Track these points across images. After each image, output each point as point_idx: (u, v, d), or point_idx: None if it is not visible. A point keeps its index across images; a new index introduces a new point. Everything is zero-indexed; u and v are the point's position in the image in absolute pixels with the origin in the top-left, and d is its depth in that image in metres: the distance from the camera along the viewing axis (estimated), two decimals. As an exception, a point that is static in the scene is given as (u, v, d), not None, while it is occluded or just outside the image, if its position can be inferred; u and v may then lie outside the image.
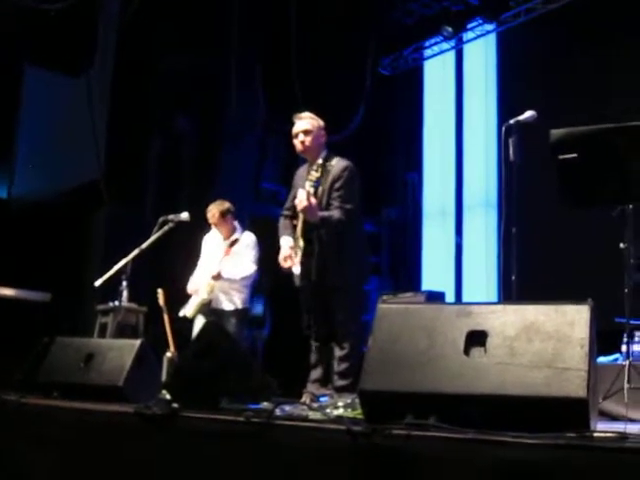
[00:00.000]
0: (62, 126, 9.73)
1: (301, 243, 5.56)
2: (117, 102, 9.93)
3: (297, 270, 5.58)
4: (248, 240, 7.29)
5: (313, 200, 5.40)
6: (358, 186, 5.68)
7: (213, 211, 7.24)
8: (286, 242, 5.71)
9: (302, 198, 5.41)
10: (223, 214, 7.23)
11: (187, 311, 7.20)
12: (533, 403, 2.67)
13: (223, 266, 7.06)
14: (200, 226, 7.53)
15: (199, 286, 7.17)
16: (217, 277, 7.03)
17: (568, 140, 4.24)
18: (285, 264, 5.64)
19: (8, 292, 7.86)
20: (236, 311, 7.14)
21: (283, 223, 5.85)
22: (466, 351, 2.85)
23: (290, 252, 5.63)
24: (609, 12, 8.64)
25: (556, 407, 2.63)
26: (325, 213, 5.48)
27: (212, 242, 7.39)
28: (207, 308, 7.06)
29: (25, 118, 9.66)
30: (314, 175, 5.54)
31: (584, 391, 2.61)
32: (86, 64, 9.56)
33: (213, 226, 7.30)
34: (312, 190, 5.44)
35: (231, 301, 7.15)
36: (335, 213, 5.49)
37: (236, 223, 7.36)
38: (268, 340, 9.13)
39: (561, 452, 2.31)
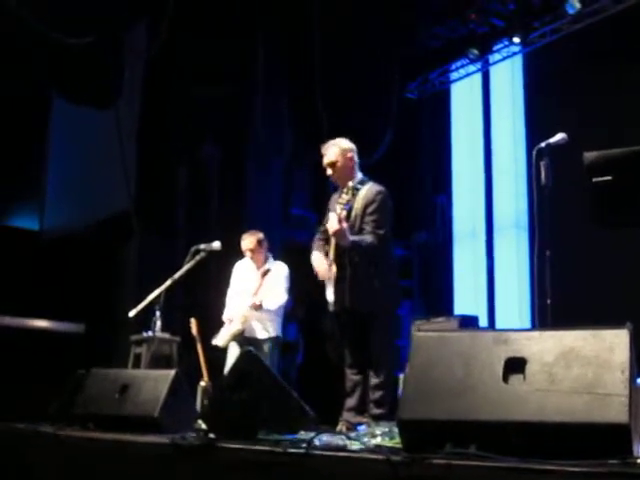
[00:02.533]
0: (92, 158, 9.82)
1: (334, 268, 5.55)
2: (145, 133, 10.01)
3: (330, 296, 5.57)
4: (280, 269, 7.33)
5: (344, 224, 5.40)
6: (391, 211, 5.68)
7: (249, 240, 7.30)
8: (318, 256, 5.69)
9: (333, 222, 5.41)
10: (260, 243, 7.30)
11: (219, 340, 7.22)
12: (574, 430, 2.63)
13: (261, 296, 7.08)
14: (231, 254, 7.55)
15: (233, 315, 7.19)
16: (258, 307, 7.06)
17: (603, 163, 4.20)
18: (325, 273, 5.59)
19: (42, 324, 7.92)
20: (270, 339, 7.16)
21: (316, 244, 5.84)
22: (504, 378, 2.82)
23: (328, 263, 5.59)
24: (636, 30, 8.61)
25: (597, 433, 2.60)
26: (357, 237, 5.47)
27: (244, 271, 7.42)
28: (240, 337, 7.08)
29: (55, 150, 9.77)
30: (344, 198, 5.54)
31: (626, 416, 2.58)
32: (114, 96, 9.65)
33: (248, 255, 7.34)
34: (344, 213, 5.44)
35: (265, 329, 7.18)
36: (367, 238, 5.48)
37: (268, 253, 7.41)
38: (301, 367, 9.11)
39: (604, 479, 2.28)
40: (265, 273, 7.21)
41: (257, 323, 7.18)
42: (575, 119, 8.34)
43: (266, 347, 7.09)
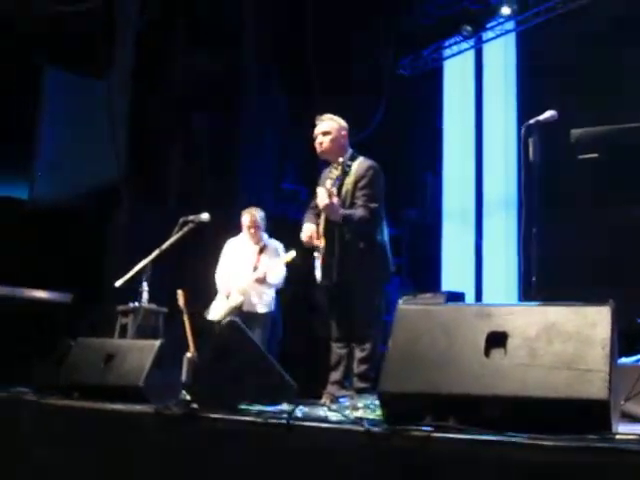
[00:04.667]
0: (83, 128, 9.79)
1: (323, 242, 5.55)
2: (137, 103, 9.97)
3: (318, 269, 5.58)
4: (277, 245, 7.39)
5: (335, 198, 5.40)
6: (382, 186, 5.67)
7: (254, 215, 7.34)
8: (308, 226, 5.69)
9: (323, 196, 5.41)
10: (262, 219, 7.37)
11: (215, 314, 7.23)
12: (554, 405, 2.65)
13: (263, 270, 7.13)
14: (221, 227, 7.55)
15: (231, 289, 7.22)
16: (262, 280, 7.10)
17: (589, 140, 4.21)
18: (308, 239, 5.60)
19: (29, 293, 7.90)
20: (268, 314, 7.22)
21: (307, 216, 5.84)
22: (486, 352, 2.83)
23: (314, 231, 5.60)
24: (630, 11, 8.59)
25: (577, 409, 2.61)
26: (347, 211, 5.46)
27: (239, 247, 7.43)
28: (238, 312, 7.09)
29: (46, 119, 9.72)
30: (334, 173, 5.54)
31: (605, 392, 2.59)
32: (105, 65, 9.61)
33: (248, 229, 7.36)
34: (334, 188, 5.44)
35: (266, 304, 7.23)
36: (359, 211, 5.47)
37: (264, 231, 7.46)
38: (283, 341, 9.12)
39: (582, 454, 2.30)
40: (262, 249, 7.27)
41: (256, 298, 7.22)
42: (566, 98, 8.31)
43: (264, 322, 7.14)
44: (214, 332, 7.07)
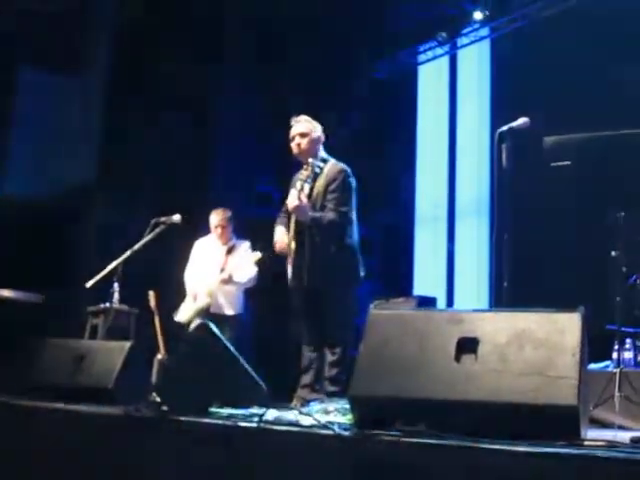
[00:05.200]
0: (56, 126, 9.73)
1: (293, 245, 5.55)
2: (112, 102, 9.93)
3: (289, 272, 5.58)
4: (246, 246, 7.34)
5: (304, 200, 5.41)
6: (353, 190, 5.68)
7: (221, 216, 7.31)
8: (280, 229, 5.71)
9: (292, 198, 5.43)
10: (229, 220, 7.31)
11: (182, 316, 7.18)
12: (524, 410, 2.67)
13: (229, 269, 7.08)
14: (193, 229, 7.52)
15: (198, 291, 7.17)
16: (228, 280, 7.05)
17: (561, 147, 4.24)
18: (281, 245, 5.63)
19: (3, 292, 7.85)
20: (236, 316, 7.17)
21: (279, 220, 5.85)
22: (457, 358, 2.84)
23: (285, 236, 5.62)
24: (605, 19, 8.65)
25: (547, 415, 2.63)
26: (317, 214, 5.47)
27: (208, 248, 7.40)
28: (205, 314, 7.03)
29: (19, 117, 9.66)
30: (304, 174, 5.55)
31: (575, 399, 2.61)
32: (80, 64, 9.56)
33: (216, 230, 7.32)
34: (306, 188, 5.45)
35: (232, 306, 7.17)
36: (328, 215, 5.47)
37: (232, 231, 7.41)
38: (253, 343, 9.10)
39: (551, 460, 2.31)
40: (230, 250, 7.23)
41: (224, 300, 7.16)
42: (540, 105, 8.34)
43: (232, 324, 7.08)
44: (181, 334, 7.04)
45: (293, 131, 5.75)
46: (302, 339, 5.64)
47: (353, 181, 5.68)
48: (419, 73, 11.48)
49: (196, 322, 7.05)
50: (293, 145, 5.75)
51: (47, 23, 8.85)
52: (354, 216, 5.68)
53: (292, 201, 5.42)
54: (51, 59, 9.45)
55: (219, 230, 7.32)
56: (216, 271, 7.17)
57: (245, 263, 7.11)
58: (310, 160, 5.56)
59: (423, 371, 2.86)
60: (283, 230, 5.68)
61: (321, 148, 5.79)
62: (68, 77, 9.74)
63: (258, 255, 6.93)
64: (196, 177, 10.28)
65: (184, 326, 7.16)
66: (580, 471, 2.26)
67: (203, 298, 7.11)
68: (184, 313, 7.19)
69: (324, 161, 5.69)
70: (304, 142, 5.69)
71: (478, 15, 9.98)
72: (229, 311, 7.17)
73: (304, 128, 5.72)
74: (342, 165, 5.69)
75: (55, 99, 9.76)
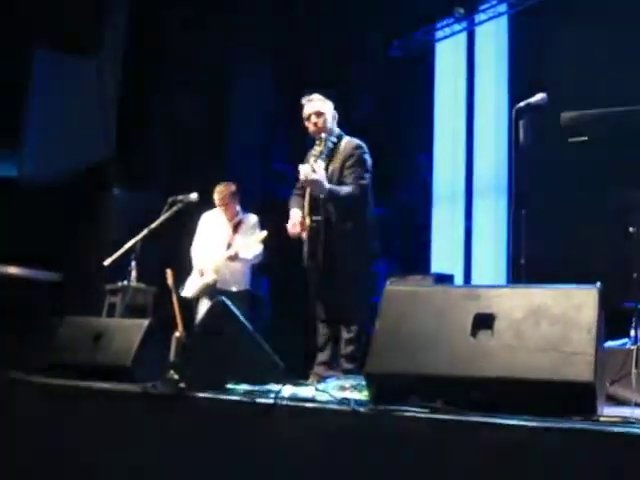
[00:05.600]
0: (72, 107, 9.75)
1: (308, 222, 5.54)
2: (127, 83, 9.94)
3: (305, 250, 5.58)
4: (253, 221, 7.31)
5: (320, 173, 5.38)
6: (370, 166, 5.66)
7: (223, 192, 7.26)
8: (295, 212, 5.70)
9: (306, 172, 5.39)
10: (233, 195, 7.27)
11: (188, 291, 7.20)
12: (540, 387, 2.66)
13: (236, 247, 7.07)
14: (209, 207, 7.53)
15: (204, 267, 7.17)
16: (234, 257, 7.05)
17: (579, 123, 4.21)
18: (294, 230, 5.63)
19: (18, 271, 7.89)
20: (242, 292, 7.16)
21: (293, 199, 5.84)
22: (473, 334, 2.84)
23: (300, 219, 5.61)
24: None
25: (563, 391, 2.62)
26: (335, 186, 5.45)
27: (214, 223, 7.37)
28: (212, 290, 7.05)
29: (35, 98, 9.68)
30: (317, 149, 5.54)
31: (591, 375, 2.60)
32: (96, 44, 9.56)
33: (220, 207, 7.30)
34: (321, 166, 5.43)
35: (238, 282, 7.17)
36: (347, 187, 5.45)
37: (238, 205, 7.36)
38: (272, 321, 9.12)
39: (567, 436, 2.31)
40: (237, 225, 7.21)
41: (230, 275, 7.17)
42: (558, 81, 8.30)
43: (240, 299, 7.06)
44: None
45: (307, 110, 5.73)
46: (318, 316, 5.64)
47: (369, 157, 5.66)
48: (437, 50, 11.42)
49: (203, 298, 7.09)
50: (309, 124, 5.73)
51: (63, 4, 8.84)
52: (371, 193, 5.67)
53: (307, 173, 5.39)
54: (67, 41, 9.45)
55: (223, 207, 7.30)
56: (222, 247, 7.17)
57: (251, 240, 7.10)
58: (323, 135, 5.54)
59: (439, 347, 2.85)
60: (298, 212, 5.66)
61: (335, 125, 5.78)
62: (84, 59, 9.74)
63: (264, 234, 6.92)
64: (210, 155, 10.29)
65: (191, 301, 7.18)
66: (596, 447, 2.25)
67: (210, 274, 7.12)
68: (191, 288, 7.21)
69: (339, 138, 5.68)
70: (320, 121, 5.68)
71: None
72: (236, 287, 7.16)
73: (319, 107, 5.71)
74: (358, 141, 5.68)
75: (71, 79, 9.76)
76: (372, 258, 5.80)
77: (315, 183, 5.38)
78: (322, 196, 5.44)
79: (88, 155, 9.80)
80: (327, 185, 5.41)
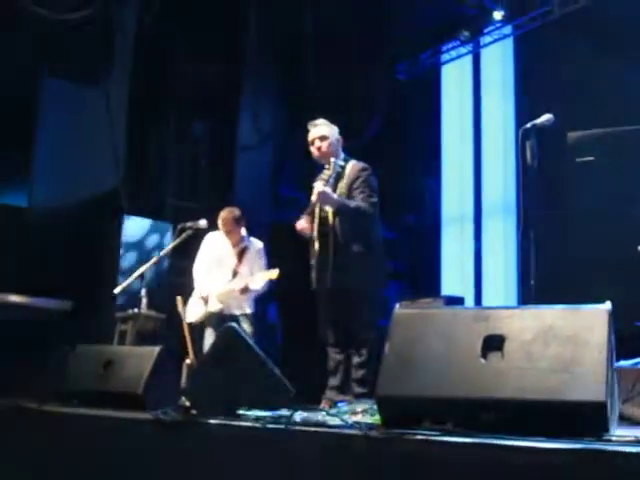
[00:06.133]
0: (81, 134, 9.79)
1: (316, 246, 5.54)
2: (135, 110, 9.99)
3: (313, 273, 5.59)
4: (258, 247, 7.24)
5: (327, 188, 5.43)
6: (377, 188, 5.67)
7: (226, 218, 7.13)
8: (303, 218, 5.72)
9: (318, 186, 5.43)
10: (236, 221, 7.15)
11: (191, 317, 7.14)
12: (551, 408, 2.65)
13: (244, 278, 6.99)
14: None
15: (208, 293, 7.10)
16: (245, 290, 6.94)
17: (586, 142, 4.22)
18: (303, 226, 5.62)
19: (28, 300, 7.89)
20: (246, 315, 7.09)
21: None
22: (483, 355, 2.83)
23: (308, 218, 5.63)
24: (627, 14, 8.60)
25: (575, 411, 2.62)
26: (344, 199, 5.48)
27: (219, 246, 7.24)
28: (215, 316, 7.00)
29: (44, 127, 9.73)
30: (326, 173, 5.56)
31: (603, 395, 2.59)
32: (104, 73, 9.62)
33: (224, 233, 7.20)
34: (328, 188, 5.47)
35: (240, 306, 7.08)
36: (356, 202, 5.48)
37: (243, 230, 7.29)
38: (282, 346, 9.11)
39: (580, 457, 2.30)
40: (242, 252, 7.13)
41: (234, 301, 7.08)
42: (564, 102, 8.31)
43: (244, 323, 7.01)
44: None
45: (312, 135, 5.76)
46: (328, 341, 5.63)
47: (375, 180, 5.68)
48: (442, 73, 11.46)
49: (208, 326, 7.04)
50: (313, 149, 5.75)
51: (70, 32, 8.90)
52: (378, 215, 5.68)
53: (317, 188, 5.42)
54: (74, 68, 9.51)
55: (227, 233, 7.17)
56: (227, 274, 7.07)
57: (260, 276, 6.97)
58: (332, 159, 5.57)
59: (449, 369, 2.85)
60: (306, 217, 5.69)
61: (340, 149, 5.80)
62: (92, 85, 9.80)
63: (276, 273, 6.79)
64: (219, 181, 10.31)
65: (195, 327, 7.13)
66: (609, 467, 2.24)
67: (215, 303, 7.05)
68: (194, 314, 7.14)
69: (345, 161, 5.70)
70: (324, 145, 5.70)
71: (497, 15, 9.96)
72: (239, 311, 7.07)
73: (324, 131, 5.73)
74: (363, 164, 5.70)
75: (79, 107, 9.82)
76: (382, 281, 5.81)
77: (324, 195, 5.40)
78: (332, 209, 5.45)
79: (98, 183, 9.84)
80: (337, 197, 5.44)
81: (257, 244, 7.27)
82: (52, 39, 8.96)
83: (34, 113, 9.66)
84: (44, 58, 9.33)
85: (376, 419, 3.24)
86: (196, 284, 7.25)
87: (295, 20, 10.30)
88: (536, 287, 4.88)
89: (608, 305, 2.79)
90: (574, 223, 7.67)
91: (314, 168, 6.05)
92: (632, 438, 2.59)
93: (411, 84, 11.37)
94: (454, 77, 11.35)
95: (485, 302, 10.28)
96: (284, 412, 3.50)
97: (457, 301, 8.37)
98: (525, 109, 9.68)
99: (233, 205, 7.49)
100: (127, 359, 4.82)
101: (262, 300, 7.55)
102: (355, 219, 5.49)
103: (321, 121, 5.80)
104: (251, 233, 7.36)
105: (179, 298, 7.41)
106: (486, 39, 10.62)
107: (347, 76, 10.52)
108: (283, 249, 7.29)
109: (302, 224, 5.65)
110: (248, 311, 7.11)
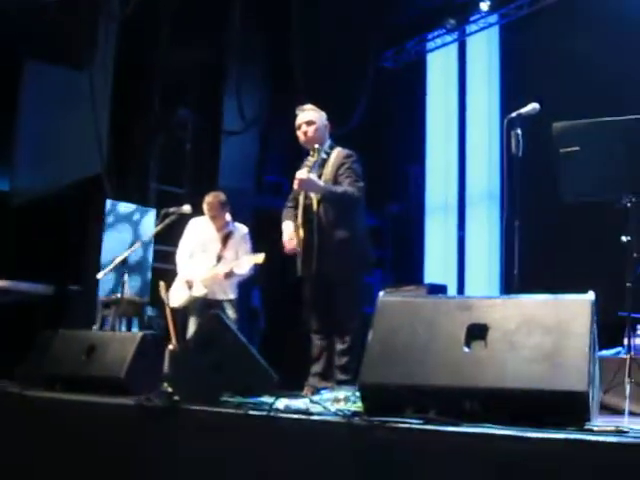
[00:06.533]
0: (64, 118, 9.74)
1: (301, 233, 5.53)
2: (119, 95, 9.94)
3: (298, 260, 5.57)
4: (243, 232, 7.21)
5: (312, 175, 5.40)
6: (362, 174, 5.65)
7: (212, 202, 7.10)
8: (288, 226, 5.69)
9: (300, 176, 5.40)
10: (222, 205, 7.12)
11: (175, 301, 7.11)
12: (533, 397, 2.66)
13: (228, 263, 6.97)
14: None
15: (192, 278, 7.07)
16: (229, 275, 6.93)
17: (570, 133, 4.22)
18: (291, 245, 5.61)
19: (10, 285, 7.87)
20: (230, 301, 7.07)
21: (286, 211, 5.83)
22: (466, 344, 2.84)
23: (294, 234, 5.60)
24: (612, 3, 8.63)
25: (556, 401, 2.63)
26: (330, 185, 5.46)
27: (203, 231, 7.19)
28: (200, 301, 6.98)
29: (26, 112, 9.67)
30: (311, 160, 5.54)
31: (584, 385, 2.61)
32: (87, 57, 9.56)
33: (210, 217, 7.16)
34: (315, 174, 5.44)
35: (224, 292, 7.06)
36: (342, 186, 5.46)
37: (228, 215, 7.26)
38: (265, 331, 9.11)
39: (561, 446, 2.31)
40: (227, 237, 7.11)
41: (218, 287, 7.05)
42: (550, 91, 8.33)
43: (228, 309, 6.99)
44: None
45: (299, 120, 5.74)
46: (311, 327, 5.62)
47: (360, 166, 5.66)
48: (428, 61, 11.46)
49: (192, 311, 7.02)
50: (299, 133, 5.73)
51: (54, 16, 8.84)
52: (363, 202, 5.66)
53: (301, 175, 5.40)
54: (58, 52, 9.45)
55: (212, 217, 7.14)
56: (212, 259, 7.03)
57: (246, 260, 6.96)
58: (316, 146, 5.55)
59: (433, 358, 2.86)
60: (291, 227, 5.65)
61: (327, 136, 5.79)
62: (75, 69, 9.74)
63: (261, 257, 6.78)
64: (203, 167, 10.29)
65: (179, 311, 7.10)
66: (590, 457, 2.25)
67: (199, 288, 7.02)
68: (177, 298, 7.11)
69: (331, 148, 5.68)
70: (311, 130, 5.68)
71: (484, 6, 9.97)
72: (222, 296, 7.05)
73: (311, 116, 5.71)
74: (349, 151, 5.68)
75: (62, 92, 9.76)
76: (366, 268, 5.81)
77: (309, 181, 5.38)
78: (318, 195, 5.44)
79: (81, 168, 9.79)
80: (321, 183, 5.42)
81: (242, 229, 7.24)
82: (35, 21, 8.90)
83: (16, 97, 9.60)
84: (27, 42, 9.26)
85: (358, 406, 3.24)
86: (179, 269, 7.21)
87: (281, 6, 10.24)
88: (519, 276, 4.89)
89: (591, 295, 2.80)
90: (558, 213, 7.71)
91: (299, 154, 6.04)
92: (613, 428, 2.61)
93: (397, 72, 11.37)
94: (439, 65, 11.35)
95: (468, 291, 10.31)
96: (267, 399, 3.50)
97: (440, 289, 8.40)
98: (511, 98, 9.69)
99: (217, 190, 7.46)
100: (110, 344, 4.82)
101: (245, 285, 7.52)
102: (342, 205, 5.47)
103: (309, 106, 5.77)
104: (235, 218, 7.33)
105: (162, 283, 7.38)
106: (472, 27, 10.64)
107: (333, 63, 10.49)
108: (266, 234, 7.24)
109: (290, 244, 5.63)
110: (232, 297, 7.08)
